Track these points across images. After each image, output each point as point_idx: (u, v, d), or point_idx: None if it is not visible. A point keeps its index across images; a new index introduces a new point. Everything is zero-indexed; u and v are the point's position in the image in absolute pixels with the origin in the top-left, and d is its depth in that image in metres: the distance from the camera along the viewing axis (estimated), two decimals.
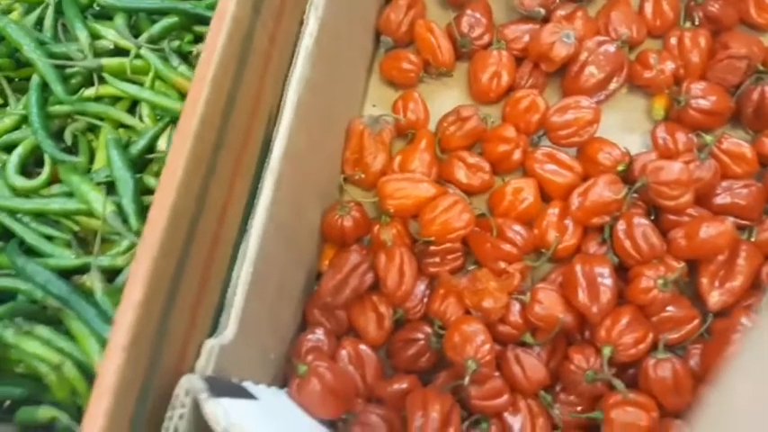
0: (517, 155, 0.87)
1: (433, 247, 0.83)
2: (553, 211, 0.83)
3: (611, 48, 0.88)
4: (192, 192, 0.55)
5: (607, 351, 0.74)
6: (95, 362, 0.66)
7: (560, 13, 0.93)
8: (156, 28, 0.84)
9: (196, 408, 0.53)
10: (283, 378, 0.79)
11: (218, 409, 0.51)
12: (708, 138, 0.85)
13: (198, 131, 0.54)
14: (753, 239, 0.80)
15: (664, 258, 0.79)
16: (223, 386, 0.57)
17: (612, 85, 0.90)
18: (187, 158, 0.53)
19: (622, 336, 0.74)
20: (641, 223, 0.78)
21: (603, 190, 0.80)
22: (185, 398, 0.52)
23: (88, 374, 0.70)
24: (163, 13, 0.86)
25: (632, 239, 0.78)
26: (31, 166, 0.83)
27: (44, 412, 0.67)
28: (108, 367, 0.48)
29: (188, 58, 0.86)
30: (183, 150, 0.54)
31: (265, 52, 0.66)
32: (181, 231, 0.54)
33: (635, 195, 0.81)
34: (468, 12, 0.95)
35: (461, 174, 0.87)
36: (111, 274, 0.74)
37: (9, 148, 0.82)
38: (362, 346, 0.81)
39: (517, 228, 0.83)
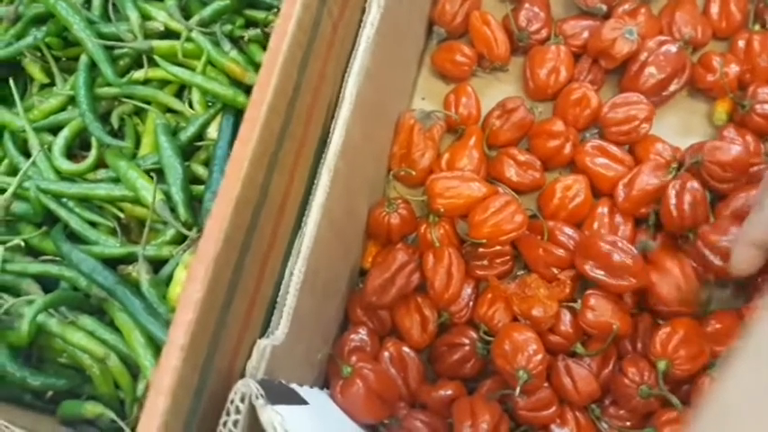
0: (567, 149, 0.84)
1: (481, 250, 0.81)
2: (603, 210, 0.81)
3: (673, 48, 0.85)
4: (256, 183, 0.52)
5: (662, 365, 0.71)
6: (140, 355, 0.65)
7: (623, 9, 0.90)
8: (208, 11, 0.81)
9: (251, 412, 0.51)
10: (325, 377, 0.77)
11: (275, 418, 0.49)
12: None
13: (266, 120, 0.52)
14: None
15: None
16: (277, 391, 0.55)
17: (673, 87, 0.86)
18: (254, 149, 0.51)
19: (678, 350, 0.71)
20: (693, 188, 0.76)
21: (650, 177, 0.78)
22: (240, 403, 0.50)
23: (132, 369, 0.68)
24: None
25: (680, 205, 0.76)
26: (76, 149, 0.82)
27: (91, 408, 0.65)
28: (165, 366, 0.46)
29: (239, 43, 0.83)
30: (250, 141, 0.51)
31: (329, 40, 0.63)
32: (243, 226, 0.52)
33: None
34: (527, 5, 0.91)
35: (512, 172, 0.84)
36: (155, 264, 0.72)
37: (55, 130, 0.80)
38: (405, 348, 0.79)
39: (569, 231, 0.80)
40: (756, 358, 0.43)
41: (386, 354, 0.78)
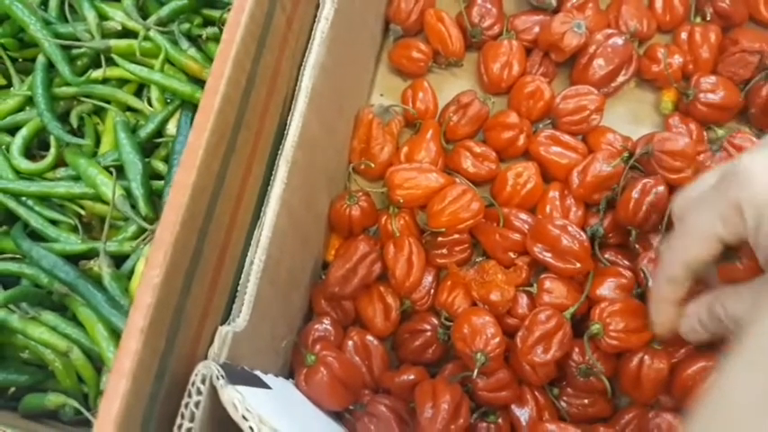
0: (521, 140, 0.87)
1: (441, 238, 0.83)
2: (554, 194, 0.84)
3: (620, 41, 0.88)
4: (212, 171, 0.54)
5: (595, 328, 0.73)
6: (103, 348, 0.65)
7: (571, 3, 0.93)
8: (165, 10, 0.82)
9: (212, 395, 0.52)
10: (291, 367, 0.78)
11: (235, 396, 0.50)
12: (720, 131, 0.85)
13: (220, 109, 0.53)
14: None
15: None
16: (238, 374, 0.56)
17: (620, 78, 0.90)
18: (209, 136, 0.52)
19: (614, 317, 0.73)
20: (659, 192, 0.78)
21: (603, 165, 0.81)
22: (201, 385, 0.51)
23: (95, 362, 0.68)
24: None
25: (641, 202, 0.78)
26: (34, 149, 0.82)
27: (53, 399, 0.65)
28: (126, 349, 0.47)
29: (197, 41, 0.84)
30: (205, 129, 0.53)
31: (283, 34, 0.65)
32: (200, 212, 0.53)
33: (636, 169, 0.82)
34: (479, 2, 0.94)
35: (468, 163, 0.86)
36: (118, 260, 0.73)
37: (12, 131, 0.80)
38: (369, 337, 0.80)
39: (523, 216, 0.82)
40: (756, 356, 0.42)
41: (350, 342, 0.80)
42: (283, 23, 0.65)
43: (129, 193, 0.72)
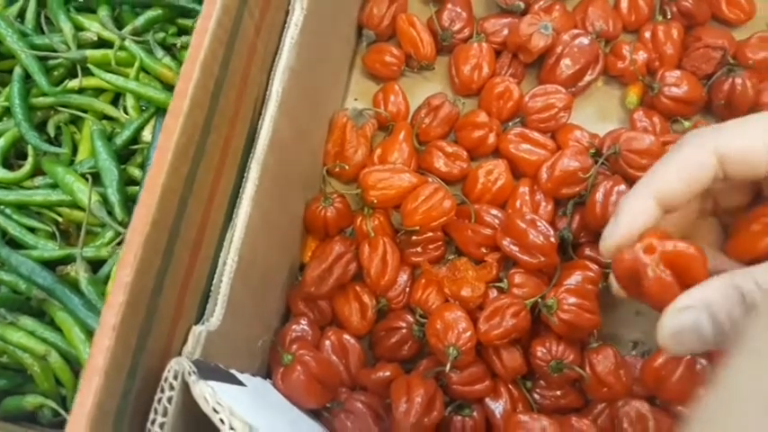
0: (491, 139, 0.89)
1: (415, 237, 0.85)
2: (524, 190, 0.86)
3: (586, 40, 0.90)
4: (181, 172, 0.55)
5: (549, 301, 0.75)
6: (81, 351, 0.67)
7: (539, 6, 0.95)
8: (140, 20, 0.84)
9: (184, 391, 0.53)
10: (268, 367, 0.80)
11: (206, 390, 0.51)
12: (686, 123, 0.88)
13: (189, 111, 0.55)
14: None
15: None
16: (211, 370, 0.57)
17: (588, 77, 0.92)
18: (178, 138, 0.54)
19: (569, 297, 0.75)
20: (621, 191, 0.80)
21: (571, 160, 0.83)
22: (174, 380, 0.53)
23: (73, 365, 0.70)
24: (147, 5, 0.86)
25: (606, 203, 0.80)
26: (12, 158, 0.83)
27: (31, 400, 0.67)
28: (99, 346, 0.49)
29: (172, 50, 0.86)
30: (174, 131, 0.54)
31: (251, 40, 0.66)
32: (170, 212, 0.55)
33: (605, 165, 0.83)
34: (449, 6, 0.96)
35: (441, 163, 0.88)
36: (95, 266, 0.74)
37: None
38: (346, 336, 0.82)
39: (494, 212, 0.84)
40: (758, 353, 0.40)
41: (327, 342, 0.81)
42: (252, 30, 0.67)
43: (105, 200, 0.74)
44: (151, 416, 0.52)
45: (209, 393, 0.51)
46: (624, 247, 0.53)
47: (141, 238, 0.51)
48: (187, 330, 0.60)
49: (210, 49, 0.57)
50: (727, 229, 0.59)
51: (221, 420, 0.50)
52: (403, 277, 0.85)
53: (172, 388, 0.53)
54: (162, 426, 0.52)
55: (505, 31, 0.95)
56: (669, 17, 0.94)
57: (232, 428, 0.50)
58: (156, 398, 0.53)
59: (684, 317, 0.48)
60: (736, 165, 0.52)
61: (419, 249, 0.85)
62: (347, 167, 0.88)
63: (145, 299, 0.53)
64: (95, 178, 0.75)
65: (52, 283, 0.69)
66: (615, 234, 0.56)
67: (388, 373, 0.78)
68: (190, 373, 0.53)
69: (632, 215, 0.55)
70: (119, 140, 0.79)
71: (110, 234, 0.74)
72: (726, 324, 0.46)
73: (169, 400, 0.52)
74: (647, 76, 0.92)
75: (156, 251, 0.54)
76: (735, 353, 0.40)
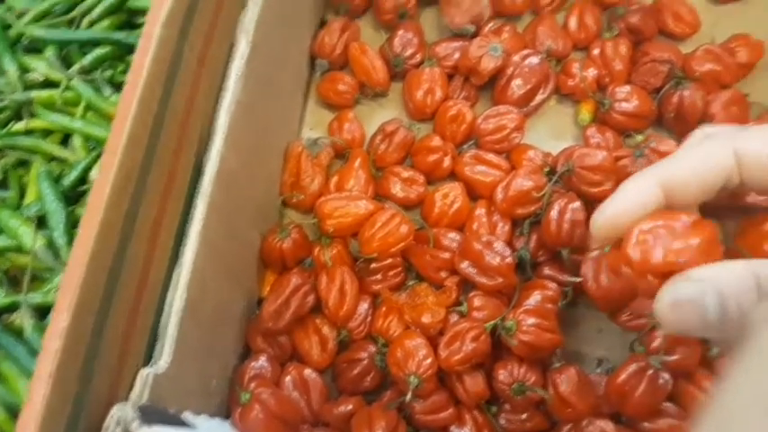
0: (447, 162, 0.89)
1: (374, 265, 0.84)
2: (481, 211, 0.85)
3: (536, 60, 0.91)
4: (120, 210, 0.54)
5: (509, 324, 0.75)
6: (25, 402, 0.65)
7: (488, 28, 0.96)
8: (88, 59, 0.83)
9: None
10: (228, 407, 0.78)
11: None
12: (638, 137, 0.89)
13: (126, 149, 0.55)
14: None
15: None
16: (157, 415, 0.56)
17: (539, 96, 0.93)
18: (115, 176, 0.53)
19: (528, 317, 0.75)
20: (575, 208, 0.80)
21: (525, 180, 0.83)
22: (116, 427, 0.51)
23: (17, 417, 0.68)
24: (95, 44, 0.85)
25: (561, 221, 0.80)
26: None
27: None
28: (34, 397, 0.47)
29: (121, 88, 0.85)
30: (111, 168, 0.54)
31: (194, 74, 0.66)
32: (109, 253, 0.54)
33: (559, 182, 0.83)
34: (400, 32, 0.97)
35: (397, 188, 0.88)
36: (43, 312, 0.72)
37: None
38: (307, 371, 0.80)
39: (452, 235, 0.84)
40: (761, 360, 0.39)
41: (287, 378, 0.80)
42: (194, 64, 0.66)
43: (52, 243, 0.72)
44: None
45: None
46: (615, 224, 0.50)
47: (78, 281, 0.50)
48: (134, 374, 0.59)
49: (147, 85, 0.57)
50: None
51: None
52: (363, 306, 0.83)
53: None
54: None
55: (457, 55, 0.95)
56: (617, 34, 0.95)
57: None
58: None
59: (690, 288, 0.44)
60: (755, 171, 0.49)
61: (379, 277, 0.85)
62: (303, 197, 0.88)
63: (84, 343, 0.52)
64: (43, 221, 0.73)
65: None
66: (607, 209, 0.53)
67: (350, 407, 0.77)
68: (132, 420, 0.51)
69: (631, 193, 0.51)
70: (66, 181, 0.78)
71: (57, 279, 0.73)
72: (733, 309, 0.42)
73: None
74: (597, 92, 0.92)
75: (95, 294, 0.53)
76: (740, 349, 0.39)
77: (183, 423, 0.59)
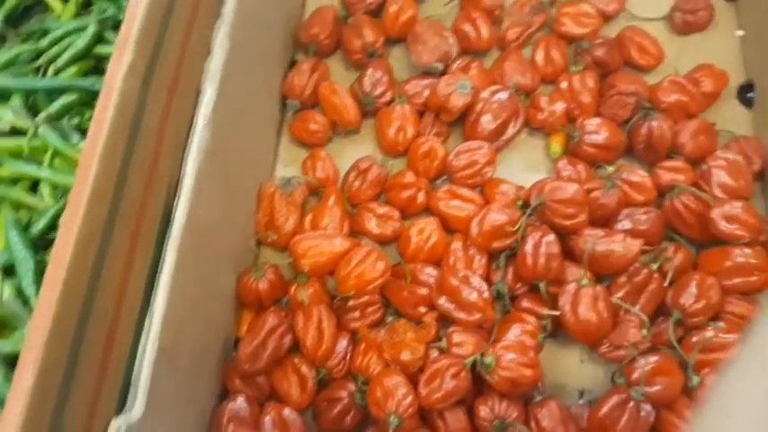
0: (421, 197, 0.90)
1: (352, 302, 0.83)
2: (457, 245, 0.86)
3: (504, 95, 0.92)
4: (85, 265, 0.54)
5: (489, 359, 0.74)
6: None
7: (456, 65, 0.97)
8: (55, 106, 0.83)
9: None
10: None
11: None
12: (609, 168, 0.89)
13: (88, 205, 0.54)
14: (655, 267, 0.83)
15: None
16: None
17: (510, 131, 0.94)
18: (78, 233, 0.53)
19: (507, 353, 0.75)
20: (550, 241, 0.81)
21: (498, 214, 0.84)
22: None
23: None
24: (61, 91, 0.85)
25: (536, 256, 0.80)
26: None
27: None
28: None
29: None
30: (75, 225, 0.53)
31: (159, 123, 0.66)
32: (74, 310, 0.53)
33: (533, 216, 0.84)
34: (370, 71, 0.98)
35: (372, 224, 0.88)
36: (13, 360, 0.71)
37: None
38: (286, 411, 0.79)
39: (429, 270, 0.84)
40: (760, 358, 0.41)
41: (267, 418, 0.78)
42: (159, 113, 0.66)
43: (20, 292, 0.71)
44: None
45: None
46: None
47: (42, 339, 0.49)
48: (106, 424, 0.57)
49: (110, 137, 0.57)
50: None
51: None
52: (342, 344, 0.83)
53: None
54: None
55: (426, 93, 0.96)
56: (584, 67, 0.97)
57: None
58: None
59: None
60: None
61: (357, 314, 0.84)
62: (277, 237, 0.87)
63: (50, 402, 0.51)
64: (11, 270, 0.72)
65: None
66: None
67: None
68: None
69: None
70: (35, 229, 0.77)
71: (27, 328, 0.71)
72: None
73: None
74: (567, 125, 0.94)
75: (60, 351, 0.52)
76: (732, 364, 0.42)
77: None
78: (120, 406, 0.61)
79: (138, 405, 0.60)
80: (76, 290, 0.53)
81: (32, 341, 0.49)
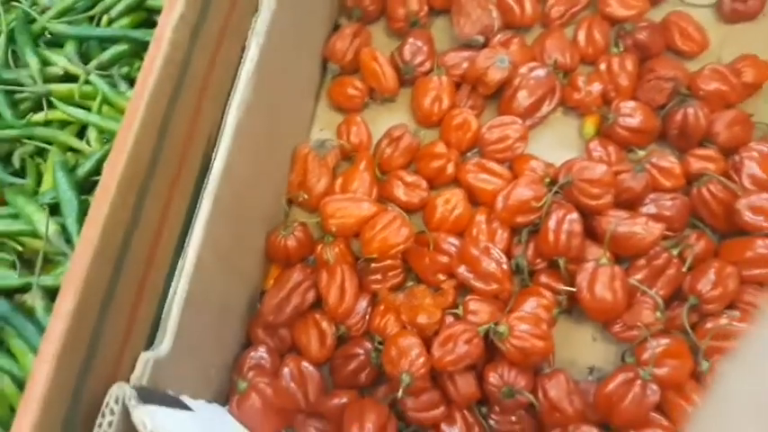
0: (450, 169, 0.91)
1: (374, 265, 0.86)
2: (481, 218, 0.87)
3: (542, 72, 0.93)
4: (126, 206, 0.57)
5: (502, 329, 0.76)
6: None
7: (497, 39, 0.98)
8: (106, 55, 0.87)
9: (126, 416, 0.55)
10: (226, 394, 0.81)
11: (145, 416, 0.53)
12: (640, 152, 0.90)
13: (133, 148, 0.57)
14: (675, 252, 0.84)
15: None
16: (155, 395, 0.59)
17: (545, 108, 0.95)
18: (121, 174, 0.56)
19: (520, 323, 0.77)
20: (573, 219, 0.82)
21: (525, 189, 0.85)
22: (115, 405, 0.54)
23: None
24: (113, 41, 0.89)
25: (558, 232, 0.82)
26: None
27: None
28: (37, 375, 0.50)
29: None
30: (118, 166, 0.57)
31: (204, 76, 0.69)
32: (114, 244, 0.57)
33: (559, 193, 0.85)
34: (411, 40, 0.99)
35: (400, 192, 0.90)
36: (54, 293, 0.76)
37: None
38: (305, 364, 0.82)
39: (452, 240, 0.86)
40: (755, 359, 0.42)
41: (286, 369, 0.82)
42: (205, 65, 0.69)
43: (64, 229, 0.75)
44: None
45: (148, 419, 0.53)
46: None
47: (84, 266, 0.53)
48: (135, 357, 0.61)
49: (157, 86, 0.60)
50: None
51: None
52: (362, 304, 0.86)
53: (112, 413, 0.54)
54: None
55: (465, 65, 0.97)
56: (624, 49, 0.97)
57: None
58: (98, 422, 0.54)
59: None
60: None
61: (379, 277, 0.87)
62: (306, 196, 0.90)
63: (88, 327, 0.55)
64: (57, 208, 0.77)
65: (9, 311, 0.70)
66: None
67: (344, 400, 0.79)
68: (130, 398, 0.54)
69: None
70: (81, 172, 0.81)
71: (68, 264, 0.76)
72: None
73: (110, 424, 0.54)
74: (602, 106, 0.94)
75: (100, 281, 0.55)
76: (729, 363, 0.43)
77: (181, 405, 0.62)
78: (149, 344, 0.65)
79: (165, 342, 0.64)
80: (116, 229, 0.56)
81: (74, 272, 0.53)
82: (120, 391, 0.55)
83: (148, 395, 0.57)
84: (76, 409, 0.55)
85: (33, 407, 0.50)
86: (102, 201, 0.55)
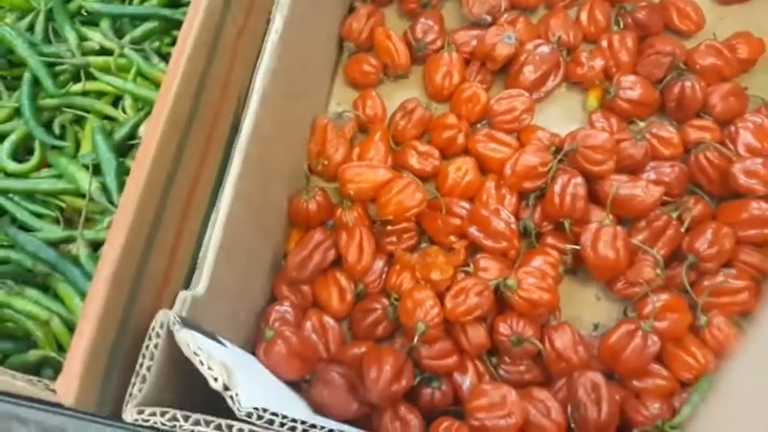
0: (461, 139, 0.97)
1: (390, 227, 0.92)
2: (490, 184, 0.93)
3: (547, 49, 0.99)
4: (168, 153, 0.63)
5: (511, 282, 0.82)
6: (79, 317, 0.73)
7: (504, 18, 1.04)
8: (138, 31, 0.93)
9: (170, 340, 0.60)
10: (253, 344, 0.86)
11: (188, 336, 0.58)
12: (641, 123, 0.95)
13: (174, 103, 0.63)
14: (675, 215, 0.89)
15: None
16: (195, 326, 0.64)
17: (550, 83, 1.00)
18: (164, 124, 0.62)
19: (528, 277, 0.82)
20: (577, 183, 0.87)
21: (532, 156, 0.90)
22: (160, 329, 0.59)
23: (73, 330, 0.76)
24: (144, 18, 0.95)
25: (563, 195, 0.87)
26: (21, 155, 0.91)
27: (33, 353, 0.73)
28: (94, 295, 0.56)
29: (167, 58, 0.95)
30: (162, 117, 0.62)
31: (234, 42, 0.75)
32: (158, 187, 0.62)
33: (564, 160, 0.90)
34: (422, 20, 1.05)
35: (414, 161, 0.96)
36: (94, 248, 0.81)
37: (2, 138, 0.90)
38: (326, 317, 0.88)
39: (463, 204, 0.92)
40: (757, 357, 0.42)
41: (308, 323, 0.88)
42: (235, 34, 0.75)
43: (104, 187, 0.81)
44: (140, 360, 0.59)
45: (190, 339, 0.58)
46: None
47: (132, 207, 0.59)
48: (174, 296, 0.67)
49: (195, 48, 0.65)
50: None
51: (201, 362, 0.57)
52: (379, 264, 0.91)
53: (158, 336, 0.59)
54: (149, 368, 0.58)
55: (474, 42, 1.03)
56: (624, 28, 1.02)
57: (210, 369, 0.57)
58: (144, 345, 0.59)
59: None
60: None
61: (394, 239, 0.92)
62: (326, 163, 0.96)
63: (135, 260, 0.61)
64: (96, 169, 0.82)
65: (55, 258, 0.76)
66: None
67: (363, 349, 0.84)
68: (174, 323, 0.60)
69: None
70: (117, 136, 0.87)
71: (108, 220, 0.82)
72: None
73: (156, 346, 0.59)
74: (604, 81, 1.00)
75: (145, 220, 0.61)
76: (731, 361, 0.43)
77: (217, 340, 0.67)
78: (186, 286, 0.70)
79: (202, 283, 0.69)
80: (156, 184, 0.62)
81: (124, 209, 0.59)
82: (165, 318, 0.60)
83: (189, 323, 0.62)
84: (124, 336, 0.60)
85: (88, 332, 0.55)
86: (147, 146, 0.61)
